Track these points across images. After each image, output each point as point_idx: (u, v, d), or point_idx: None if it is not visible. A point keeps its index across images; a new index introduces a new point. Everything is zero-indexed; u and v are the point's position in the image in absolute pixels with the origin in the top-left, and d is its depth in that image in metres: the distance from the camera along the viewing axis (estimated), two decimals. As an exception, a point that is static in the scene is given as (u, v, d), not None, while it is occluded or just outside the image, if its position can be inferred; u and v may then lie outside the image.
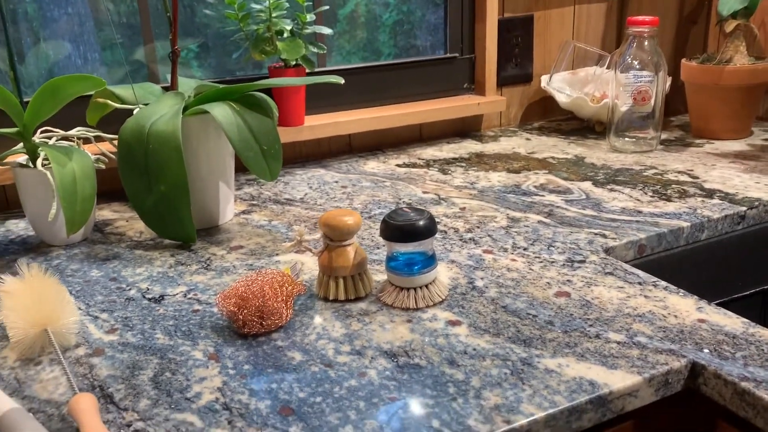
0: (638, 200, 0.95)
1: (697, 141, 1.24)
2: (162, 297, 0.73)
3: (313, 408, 0.53)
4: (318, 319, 0.67)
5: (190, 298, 0.72)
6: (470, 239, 0.85)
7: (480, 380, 0.56)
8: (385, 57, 1.37)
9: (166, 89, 0.99)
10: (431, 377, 0.57)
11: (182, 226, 0.83)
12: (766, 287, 0.96)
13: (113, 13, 1.08)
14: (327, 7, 1.16)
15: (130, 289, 0.75)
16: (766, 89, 1.28)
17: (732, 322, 0.64)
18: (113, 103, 0.91)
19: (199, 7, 1.13)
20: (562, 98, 1.32)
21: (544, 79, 1.36)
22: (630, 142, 1.20)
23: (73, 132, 0.91)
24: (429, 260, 0.69)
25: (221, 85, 0.95)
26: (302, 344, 0.63)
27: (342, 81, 0.86)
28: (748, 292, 0.94)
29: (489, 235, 0.86)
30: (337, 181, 1.10)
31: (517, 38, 1.36)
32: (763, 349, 0.59)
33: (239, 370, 0.59)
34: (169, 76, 0.91)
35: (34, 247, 0.88)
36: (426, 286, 0.69)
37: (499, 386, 0.55)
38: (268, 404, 0.54)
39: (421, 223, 0.67)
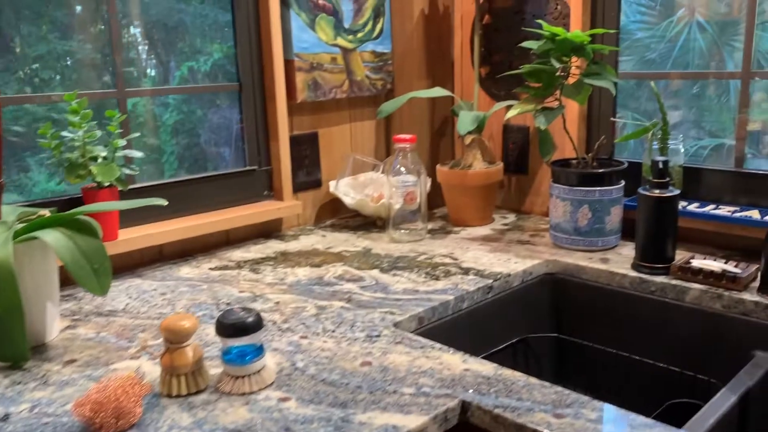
0: (415, 281, 1.20)
1: (455, 229, 1.56)
2: (7, 416, 0.77)
3: (179, 484, 0.64)
4: (167, 414, 0.77)
5: (36, 413, 0.78)
6: (287, 329, 1.01)
7: (311, 439, 0.72)
8: (167, 156, 1.50)
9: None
10: (273, 443, 0.71)
11: (15, 347, 0.87)
12: (513, 341, 1.25)
13: None
14: (138, 134, 1.28)
15: (-31, 415, 0.78)
16: (500, 185, 1.65)
17: (486, 368, 0.88)
18: (-72, 235, 0.93)
19: None
20: (348, 200, 1.57)
21: (332, 184, 1.61)
22: (405, 233, 1.47)
23: None
24: (258, 350, 0.83)
25: (41, 210, 1.02)
26: (157, 436, 0.73)
27: (165, 203, 0.99)
28: (502, 346, 1.22)
29: (303, 323, 1.03)
30: (155, 289, 1.20)
31: (306, 151, 1.60)
32: (507, 385, 0.83)
33: (104, 466, 0.67)
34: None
35: None
36: (258, 372, 0.83)
37: (326, 441, 0.71)
38: (138, 489, 0.64)
39: (250, 320, 0.82)
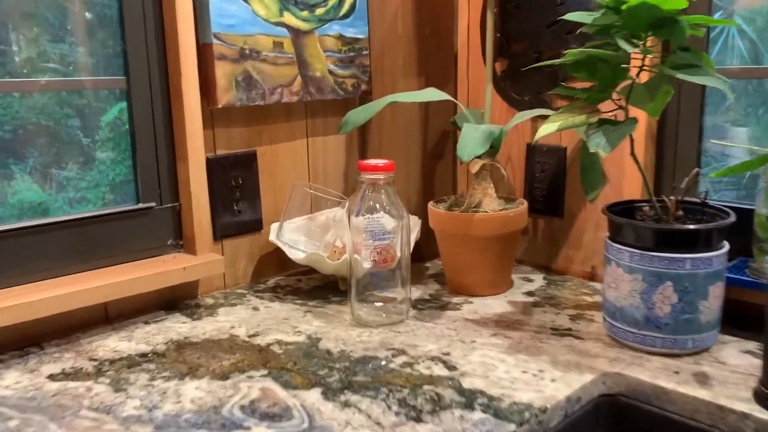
0: (378, 424, 0.68)
1: (455, 300, 1.04)
2: None
3: None
4: None
5: None
6: None
7: None
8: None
9: None
10: None
11: None
12: None
13: None
14: None
15: None
16: (522, 232, 1.13)
17: None
18: None
19: None
20: (297, 255, 1.05)
21: (274, 229, 1.09)
22: (376, 310, 0.95)
23: None
24: None
25: None
26: None
27: None
28: None
29: None
30: (-73, 428, 0.69)
31: (237, 179, 1.09)
32: None
33: None
34: None
35: None
36: None
37: None
38: None
39: None
